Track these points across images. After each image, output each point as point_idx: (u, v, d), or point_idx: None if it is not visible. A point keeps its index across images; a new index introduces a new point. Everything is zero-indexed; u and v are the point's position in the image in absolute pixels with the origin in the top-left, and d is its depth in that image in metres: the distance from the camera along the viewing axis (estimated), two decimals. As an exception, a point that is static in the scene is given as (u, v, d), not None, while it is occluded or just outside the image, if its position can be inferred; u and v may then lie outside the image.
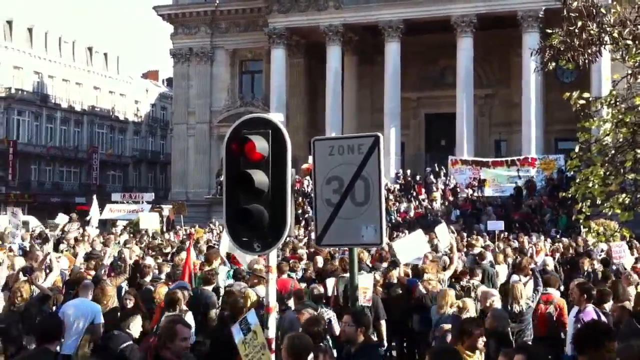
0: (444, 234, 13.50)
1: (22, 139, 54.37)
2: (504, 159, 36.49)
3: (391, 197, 32.87)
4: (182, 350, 5.56)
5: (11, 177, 52.14)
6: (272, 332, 5.47)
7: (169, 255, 14.58)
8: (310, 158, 24.21)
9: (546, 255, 15.55)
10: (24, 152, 53.98)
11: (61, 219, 18.52)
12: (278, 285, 10.22)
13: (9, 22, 54.03)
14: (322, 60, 40.81)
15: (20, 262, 11.48)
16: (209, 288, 9.61)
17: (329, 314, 8.84)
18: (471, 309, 8.49)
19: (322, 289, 9.67)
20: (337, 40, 40.18)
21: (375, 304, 9.83)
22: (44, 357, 6.12)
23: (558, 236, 23.29)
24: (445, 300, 9.10)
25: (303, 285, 10.80)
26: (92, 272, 11.07)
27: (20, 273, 10.33)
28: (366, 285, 9.42)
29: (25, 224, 27.40)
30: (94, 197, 22.99)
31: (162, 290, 9.14)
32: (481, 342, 6.46)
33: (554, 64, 8.94)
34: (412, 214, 32.39)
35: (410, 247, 11.64)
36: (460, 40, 38.06)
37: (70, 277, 10.82)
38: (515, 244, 18.60)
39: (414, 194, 34.95)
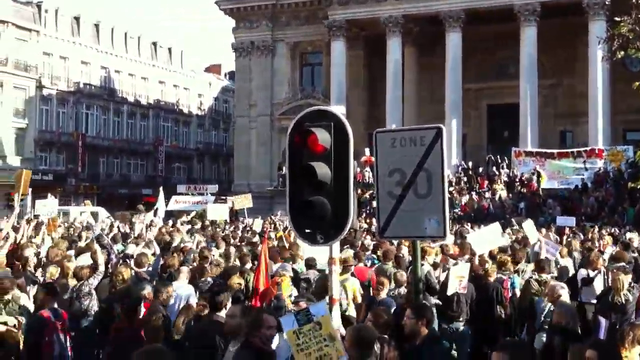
0: (532, 229, 13.78)
1: (90, 132, 55.96)
2: (569, 150, 35.63)
3: (453, 189, 32.52)
4: (268, 338, 5.85)
5: (81, 169, 53.71)
6: (336, 323, 5.54)
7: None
8: (367, 150, 24.27)
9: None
10: (93, 145, 55.56)
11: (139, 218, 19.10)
12: (357, 273, 10.41)
13: (77, 19, 55.61)
14: (382, 51, 40.63)
15: (131, 249, 12.09)
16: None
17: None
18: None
19: (405, 275, 9.73)
20: (397, 31, 39.95)
21: (470, 291, 9.91)
22: (213, 324, 7.18)
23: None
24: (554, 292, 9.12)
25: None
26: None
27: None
28: (462, 273, 9.55)
29: (95, 215, 28.34)
30: (161, 189, 23.53)
31: (235, 279, 9.28)
32: None
33: (622, 52, 8.71)
34: (475, 206, 31.96)
35: (486, 239, 11.75)
36: (524, 29, 37.31)
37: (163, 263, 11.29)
38: (581, 237, 18.17)
39: (476, 186, 34.49)
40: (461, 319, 9.85)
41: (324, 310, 5.18)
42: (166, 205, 26.27)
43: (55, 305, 8.24)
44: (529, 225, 14.44)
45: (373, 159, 21.33)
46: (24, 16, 50.43)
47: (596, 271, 11.00)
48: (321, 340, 5.12)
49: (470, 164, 36.74)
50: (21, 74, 49.64)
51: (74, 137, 53.74)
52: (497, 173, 35.10)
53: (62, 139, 53.24)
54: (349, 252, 11.80)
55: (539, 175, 33.30)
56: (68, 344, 8.09)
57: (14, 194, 36.96)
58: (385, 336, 6.28)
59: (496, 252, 12.34)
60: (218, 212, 24.92)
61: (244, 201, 26.96)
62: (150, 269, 10.80)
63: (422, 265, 10.64)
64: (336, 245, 5.90)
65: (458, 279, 9.39)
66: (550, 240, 14.30)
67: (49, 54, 52.52)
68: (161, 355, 4.45)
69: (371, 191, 32.85)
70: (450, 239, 12.72)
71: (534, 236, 13.98)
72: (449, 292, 9.52)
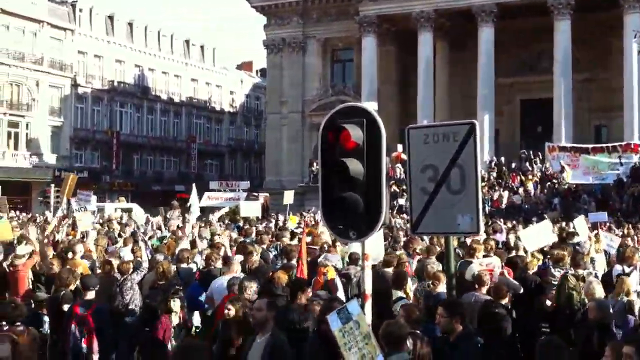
0: (583, 227, 13.78)
1: (124, 130, 56.67)
2: (604, 145, 35.07)
3: (484, 185, 32.27)
4: None
5: (115, 166, 54.46)
6: (368, 319, 5.56)
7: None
8: (400, 146, 24.15)
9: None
10: (127, 143, 56.26)
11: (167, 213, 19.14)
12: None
13: (111, 17, 56.32)
14: (413, 47, 40.41)
15: (185, 244, 12.36)
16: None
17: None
18: None
19: (439, 267, 9.80)
20: (429, 26, 39.71)
21: (506, 282, 9.87)
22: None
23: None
24: (622, 287, 9.09)
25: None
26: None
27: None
28: (491, 267, 9.77)
29: (129, 211, 28.69)
30: (194, 185, 23.72)
31: (282, 276, 9.39)
32: None
33: (658, 46, 8.59)
34: (504, 202, 31.69)
35: (537, 235, 11.88)
36: (557, 23, 36.84)
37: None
38: (616, 233, 17.91)
39: (508, 182, 34.18)
40: None
41: (357, 308, 5.19)
42: (199, 201, 26.46)
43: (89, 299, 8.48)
44: (580, 222, 14.40)
45: (403, 155, 21.48)
46: (59, 15, 51.26)
47: (632, 267, 10.87)
48: (362, 339, 5.12)
49: (502, 159, 36.43)
50: (56, 72, 50.47)
51: (108, 134, 54.50)
52: (529, 169, 34.76)
53: (97, 136, 54.05)
54: (402, 250, 11.99)
55: (562, 170, 32.95)
56: (80, 336, 8.26)
57: (49, 192, 37.65)
58: (418, 332, 6.29)
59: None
60: (251, 209, 25.10)
61: (289, 196, 27.20)
62: (192, 265, 10.96)
63: (472, 263, 10.77)
64: (368, 241, 5.92)
65: (486, 272, 9.43)
66: (608, 234, 14.17)
67: (84, 53, 53.30)
68: (200, 351, 4.46)
69: (403, 186, 32.77)
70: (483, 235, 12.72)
71: (584, 233, 13.94)
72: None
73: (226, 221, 23.49)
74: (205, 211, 27.29)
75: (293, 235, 15.97)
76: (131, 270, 9.70)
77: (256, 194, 36.45)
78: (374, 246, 10.05)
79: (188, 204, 21.74)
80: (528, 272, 10.47)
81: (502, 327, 7.24)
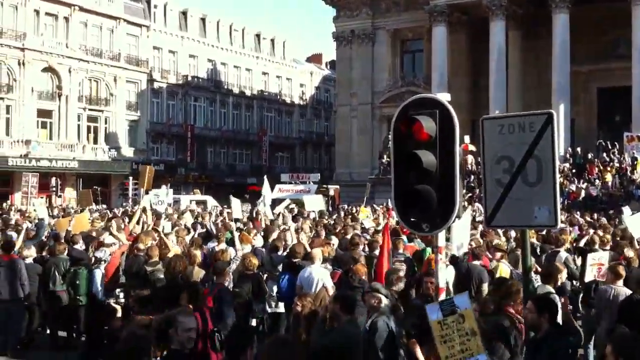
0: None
1: (198, 123, 57.85)
2: (687, 134, 33.63)
3: (560, 176, 31.40)
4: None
5: (190, 159, 55.66)
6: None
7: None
8: (466, 137, 23.73)
9: None
10: (201, 136, 57.41)
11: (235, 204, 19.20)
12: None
13: (184, 13, 57.51)
14: (485, 36, 39.62)
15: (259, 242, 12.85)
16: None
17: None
18: None
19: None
20: (501, 14, 38.83)
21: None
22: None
23: None
24: None
25: None
26: None
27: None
28: (600, 261, 9.64)
29: (203, 203, 29.31)
30: (265, 177, 24.06)
31: (361, 268, 9.52)
32: None
33: None
34: (583, 194, 30.78)
35: None
36: (636, 7, 35.47)
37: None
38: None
39: (585, 173, 33.18)
40: None
41: (467, 302, 5.11)
42: (271, 193, 26.75)
43: None
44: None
45: (469, 146, 21.29)
46: (135, 12, 52.69)
47: None
48: (463, 334, 5.04)
49: (579, 150, 35.38)
50: (133, 68, 51.93)
51: (183, 128, 55.72)
52: (607, 160, 33.65)
53: (172, 130, 55.32)
54: (502, 238, 11.97)
55: (634, 162, 31.79)
56: None
57: (128, 184, 38.67)
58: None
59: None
60: (314, 203, 25.36)
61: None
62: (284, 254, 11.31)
63: (559, 252, 10.92)
64: (442, 234, 5.88)
65: (596, 266, 9.42)
66: None
67: (159, 49, 54.63)
68: (289, 347, 4.49)
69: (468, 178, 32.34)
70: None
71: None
72: (587, 279, 9.61)
73: (294, 213, 23.72)
74: (275, 203, 27.67)
75: (364, 229, 15.99)
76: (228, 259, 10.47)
77: (326, 187, 36.64)
78: (459, 236, 10.10)
79: (262, 197, 22.00)
80: (633, 265, 10.28)
81: None
